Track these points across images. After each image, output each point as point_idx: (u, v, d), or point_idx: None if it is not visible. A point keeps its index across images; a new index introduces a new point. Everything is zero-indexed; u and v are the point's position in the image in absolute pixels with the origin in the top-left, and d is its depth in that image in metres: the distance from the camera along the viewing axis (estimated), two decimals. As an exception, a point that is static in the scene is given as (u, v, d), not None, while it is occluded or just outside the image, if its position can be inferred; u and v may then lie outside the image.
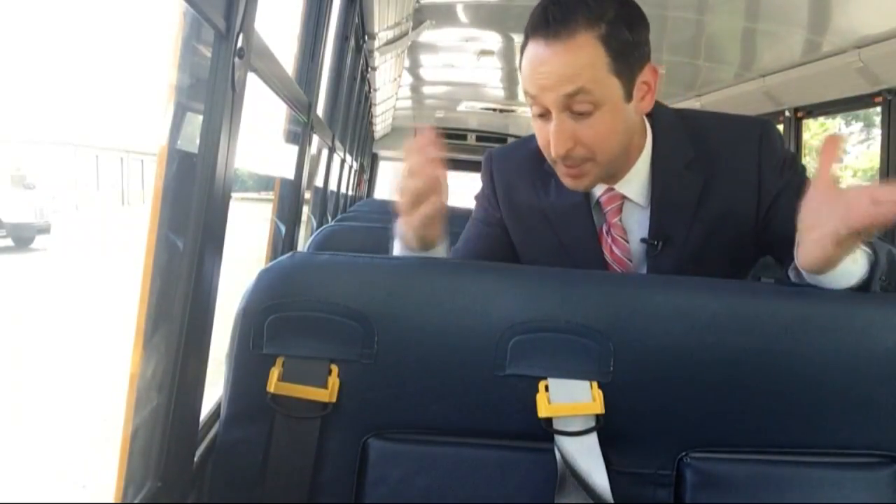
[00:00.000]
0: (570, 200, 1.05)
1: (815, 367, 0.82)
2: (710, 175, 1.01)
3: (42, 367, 5.67)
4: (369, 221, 2.40)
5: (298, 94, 1.66)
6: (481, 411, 0.81)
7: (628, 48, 0.93)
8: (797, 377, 0.82)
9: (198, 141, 0.80)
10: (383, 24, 2.86)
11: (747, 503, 0.80)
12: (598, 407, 0.79)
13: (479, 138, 6.79)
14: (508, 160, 1.12)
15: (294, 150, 1.93)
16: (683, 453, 0.82)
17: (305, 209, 2.80)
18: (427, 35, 3.23)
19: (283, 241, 2.01)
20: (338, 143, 3.17)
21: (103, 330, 6.30)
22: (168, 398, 0.78)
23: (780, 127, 3.23)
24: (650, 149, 1.03)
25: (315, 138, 2.19)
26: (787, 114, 3.20)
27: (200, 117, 0.80)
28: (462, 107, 5.62)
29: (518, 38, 3.26)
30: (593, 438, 0.79)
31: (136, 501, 0.76)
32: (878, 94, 2.59)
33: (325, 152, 2.99)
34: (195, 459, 0.87)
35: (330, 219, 3.32)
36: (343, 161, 4.06)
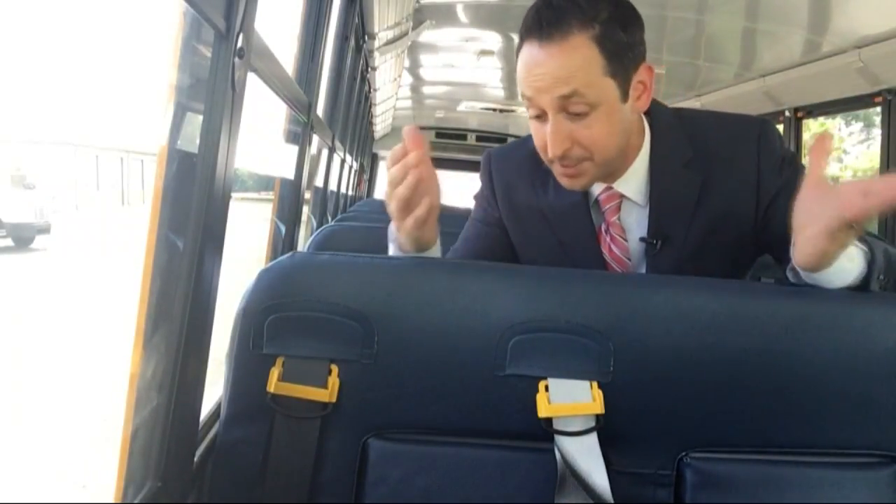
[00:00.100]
0: (568, 200, 1.05)
1: (815, 367, 0.82)
2: (709, 174, 1.01)
3: (42, 367, 5.67)
4: (369, 221, 2.40)
5: (298, 94, 1.66)
6: (481, 411, 0.81)
7: (623, 48, 0.93)
8: (797, 377, 0.82)
9: (198, 141, 0.80)
10: (383, 24, 2.86)
11: (747, 503, 0.80)
12: (598, 407, 0.79)
13: (479, 138, 6.80)
14: (507, 160, 1.13)
15: (294, 150, 1.93)
16: (683, 453, 0.82)
17: (305, 209, 2.80)
18: (427, 35, 3.23)
19: (283, 241, 2.01)
20: (338, 143, 3.17)
21: (103, 330, 6.30)
22: (168, 398, 0.78)
23: (780, 127, 3.23)
24: (648, 148, 1.03)
25: (315, 138, 2.19)
26: (787, 114, 3.20)
27: (200, 117, 0.80)
28: (462, 107, 5.62)
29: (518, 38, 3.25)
30: (593, 438, 0.79)
31: (136, 501, 0.76)
32: (878, 94, 2.59)
33: (325, 152, 2.99)
34: (195, 459, 0.87)
35: (330, 219, 3.32)
36: (343, 161, 4.07)
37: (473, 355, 0.81)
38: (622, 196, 1.04)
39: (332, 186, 3.63)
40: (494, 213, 1.12)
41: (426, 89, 5.21)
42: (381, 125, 6.43)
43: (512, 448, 0.81)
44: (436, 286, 0.83)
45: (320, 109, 2.33)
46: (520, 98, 0.98)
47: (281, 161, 1.95)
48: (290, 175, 1.97)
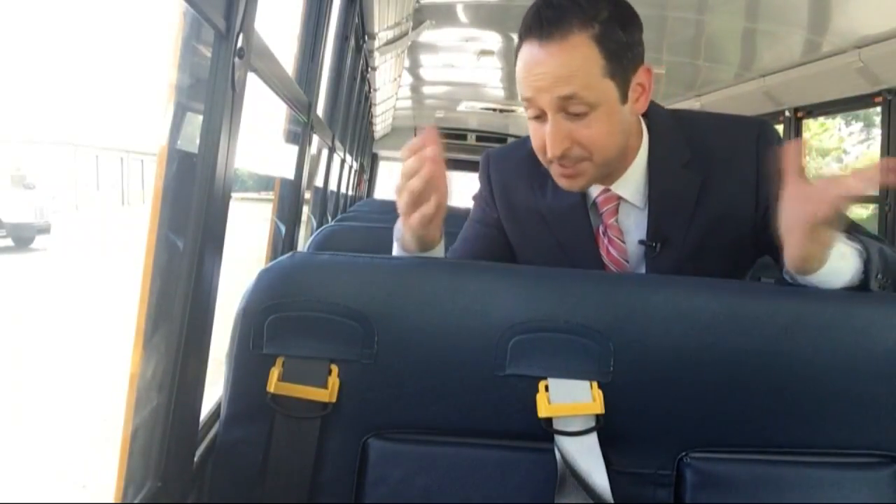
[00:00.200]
0: (566, 201, 1.05)
1: (814, 367, 0.82)
2: (708, 176, 1.01)
3: (42, 367, 5.67)
4: (369, 221, 2.40)
5: (298, 94, 1.66)
6: (481, 411, 0.81)
7: (622, 49, 0.93)
8: (797, 377, 0.82)
9: (198, 141, 0.80)
10: (383, 24, 2.87)
11: (747, 503, 0.80)
12: (598, 407, 0.79)
13: (479, 138, 6.80)
14: (506, 161, 1.12)
15: (294, 150, 1.93)
16: (683, 453, 0.82)
17: (305, 209, 2.80)
18: (427, 35, 3.23)
19: (283, 241, 2.01)
20: (338, 143, 3.17)
21: (103, 330, 6.30)
22: (168, 398, 0.78)
23: (780, 127, 3.23)
24: (646, 149, 1.03)
25: (315, 138, 2.19)
26: (787, 114, 3.20)
27: (200, 117, 0.80)
28: (462, 107, 5.62)
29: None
30: (593, 438, 0.79)
31: (136, 501, 0.76)
32: (878, 94, 2.60)
33: (325, 152, 2.99)
34: (195, 459, 0.87)
35: (330, 219, 3.32)
36: (343, 161, 4.07)
37: (473, 355, 0.81)
38: (620, 198, 1.04)
39: (332, 186, 3.63)
40: (493, 214, 1.12)
41: (426, 89, 5.21)
42: (381, 125, 6.43)
43: (512, 448, 0.81)
44: (436, 286, 0.83)
45: (320, 109, 2.33)
46: (519, 98, 0.97)
47: (281, 161, 1.95)
48: (290, 175, 1.97)
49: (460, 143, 6.79)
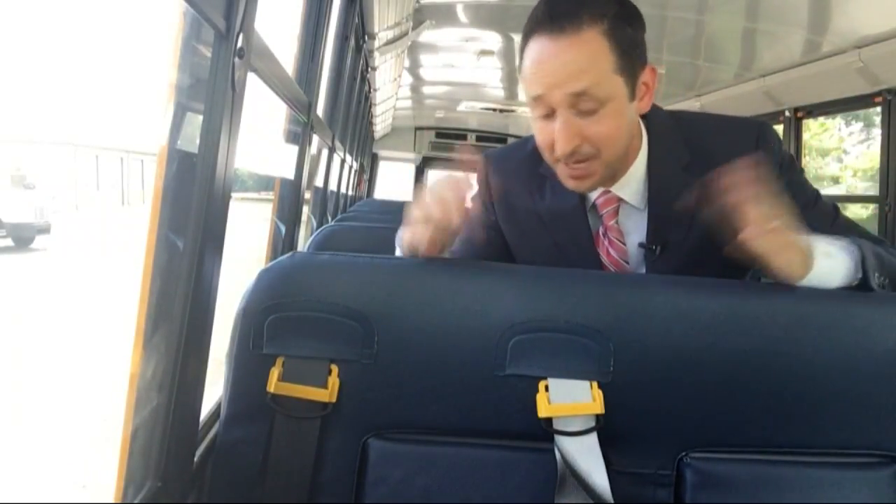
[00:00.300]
0: (565, 204, 1.05)
1: (815, 367, 0.82)
2: (708, 178, 1.01)
3: (42, 367, 5.67)
4: (369, 221, 2.40)
5: (298, 94, 1.66)
6: (481, 411, 0.81)
7: (631, 45, 0.93)
8: (797, 377, 0.82)
9: (198, 141, 0.80)
10: (383, 24, 2.87)
11: (747, 503, 0.80)
12: (598, 407, 0.79)
13: (479, 138, 6.81)
14: (504, 163, 1.12)
15: (294, 150, 1.93)
16: (683, 453, 0.82)
17: (305, 209, 2.80)
18: (427, 35, 3.23)
19: (283, 241, 2.01)
20: (338, 143, 3.17)
21: (103, 330, 6.30)
22: (168, 398, 0.78)
23: (780, 127, 3.24)
24: (646, 151, 1.03)
25: (315, 138, 2.19)
26: (787, 114, 3.20)
27: (200, 117, 0.80)
28: (462, 107, 5.62)
29: (518, 38, 3.25)
30: (593, 438, 0.79)
31: (136, 501, 0.76)
32: (878, 94, 2.60)
33: (325, 152, 2.99)
34: (195, 459, 0.87)
35: (330, 219, 3.32)
36: (343, 161, 4.07)
37: (473, 355, 0.81)
38: (620, 199, 1.04)
39: (332, 186, 3.63)
40: (491, 216, 1.12)
41: (426, 89, 5.21)
42: (381, 125, 6.43)
43: (512, 448, 0.81)
44: (436, 286, 0.83)
45: (320, 109, 2.33)
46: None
47: (281, 161, 1.95)
48: (290, 175, 1.97)
49: (460, 143, 6.79)
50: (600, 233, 1.05)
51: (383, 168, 7.45)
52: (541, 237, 1.07)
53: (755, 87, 3.23)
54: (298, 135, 1.93)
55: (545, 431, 0.79)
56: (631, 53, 0.93)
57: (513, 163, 1.10)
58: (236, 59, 0.81)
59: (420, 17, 2.96)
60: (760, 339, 0.81)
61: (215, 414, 1.01)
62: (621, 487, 0.80)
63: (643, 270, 1.04)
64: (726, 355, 0.81)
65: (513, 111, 5.57)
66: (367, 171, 7.13)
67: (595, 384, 0.80)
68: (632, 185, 1.03)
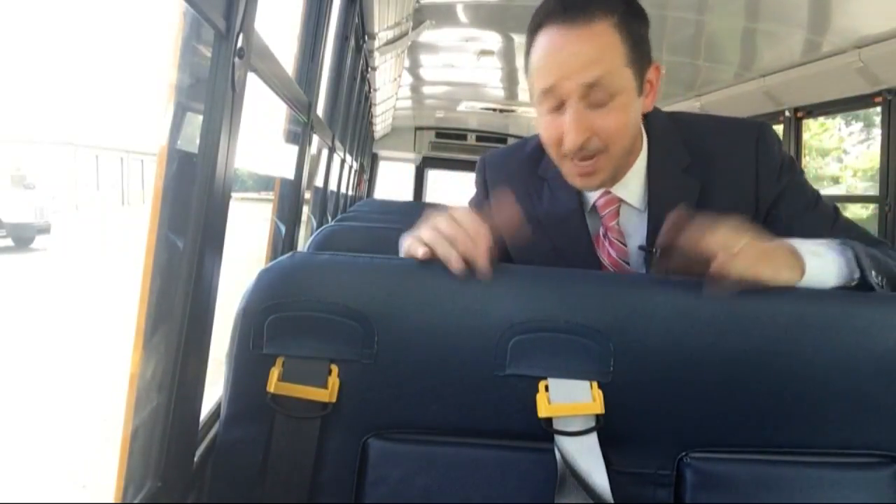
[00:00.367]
0: (564, 207, 1.05)
1: (815, 367, 0.81)
2: (708, 180, 1.01)
3: (42, 367, 5.67)
4: (369, 221, 2.40)
5: (298, 94, 1.66)
6: (481, 411, 0.81)
7: (640, 40, 0.93)
8: (797, 377, 0.82)
9: (198, 141, 0.80)
10: (383, 24, 2.87)
11: (747, 503, 0.80)
12: (598, 407, 0.79)
13: (479, 138, 6.81)
14: (502, 166, 1.12)
15: (294, 150, 1.93)
16: (683, 453, 0.82)
17: (305, 209, 2.80)
18: (427, 35, 3.23)
19: (283, 241, 2.01)
20: (338, 143, 3.17)
21: (103, 330, 6.30)
22: (168, 398, 0.78)
23: (780, 127, 3.24)
24: (646, 152, 1.03)
25: (315, 138, 2.19)
26: (787, 114, 3.20)
27: (200, 117, 0.80)
28: (462, 107, 5.62)
29: (518, 38, 3.26)
30: (593, 438, 0.79)
31: (136, 501, 0.76)
32: (878, 94, 2.60)
33: (325, 152, 2.99)
34: (195, 459, 0.87)
35: (330, 219, 3.32)
36: (343, 161, 4.06)
37: (473, 355, 0.81)
38: (620, 200, 1.03)
39: (332, 186, 3.63)
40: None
41: (426, 89, 5.21)
42: (381, 125, 6.43)
43: (512, 448, 0.81)
44: (436, 286, 0.83)
45: (320, 109, 2.33)
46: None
47: (281, 161, 1.95)
48: (290, 175, 1.97)
49: (460, 143, 6.79)
50: (600, 234, 1.05)
51: (383, 168, 7.46)
52: (540, 240, 1.07)
53: (755, 87, 3.24)
54: (298, 135, 1.93)
55: (545, 431, 0.79)
56: (640, 48, 0.93)
57: (510, 165, 1.10)
58: (236, 59, 0.81)
59: (420, 17, 2.96)
60: (760, 339, 0.81)
61: (215, 414, 1.01)
62: (621, 487, 0.80)
63: (644, 272, 1.03)
64: (726, 355, 0.81)
65: (513, 111, 5.57)
66: (367, 171, 7.13)
67: (595, 384, 0.80)
68: (632, 186, 1.03)
